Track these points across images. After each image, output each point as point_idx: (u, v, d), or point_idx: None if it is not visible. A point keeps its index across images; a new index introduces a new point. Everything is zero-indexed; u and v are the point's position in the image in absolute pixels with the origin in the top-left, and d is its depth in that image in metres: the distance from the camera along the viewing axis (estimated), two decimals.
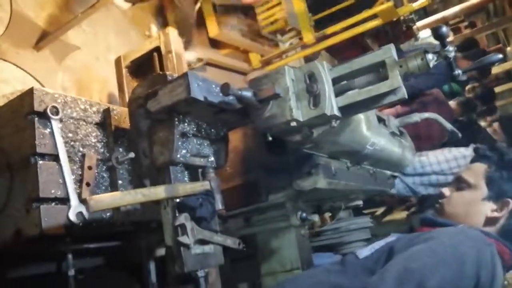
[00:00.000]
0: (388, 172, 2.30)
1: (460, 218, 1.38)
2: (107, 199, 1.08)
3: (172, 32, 1.94)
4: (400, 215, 3.85)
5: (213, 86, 1.28)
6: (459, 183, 1.44)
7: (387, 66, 1.21)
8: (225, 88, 1.18)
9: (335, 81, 1.28)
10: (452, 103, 3.99)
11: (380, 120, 1.77)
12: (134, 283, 1.67)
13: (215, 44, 3.82)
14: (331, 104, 1.23)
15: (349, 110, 1.28)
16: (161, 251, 1.65)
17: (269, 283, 1.98)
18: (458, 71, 1.22)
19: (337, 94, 1.27)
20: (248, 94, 1.23)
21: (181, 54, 1.92)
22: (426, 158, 2.74)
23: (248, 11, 4.09)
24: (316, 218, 1.74)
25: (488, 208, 1.35)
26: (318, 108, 1.24)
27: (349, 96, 1.27)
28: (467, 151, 2.73)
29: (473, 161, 1.52)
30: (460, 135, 2.01)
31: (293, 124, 1.24)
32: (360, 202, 2.17)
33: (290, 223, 1.82)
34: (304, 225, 1.90)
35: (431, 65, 1.20)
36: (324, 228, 2.04)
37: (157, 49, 1.95)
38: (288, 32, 4.23)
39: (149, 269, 1.65)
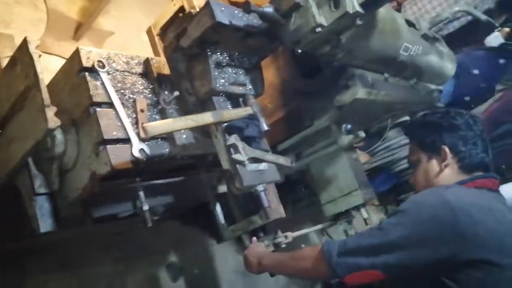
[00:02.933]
0: (432, 86, 2.26)
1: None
2: (161, 125, 1.19)
3: None
4: None
5: (236, 11, 1.34)
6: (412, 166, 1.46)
7: None
8: (247, 6, 1.24)
9: None
10: None
11: (410, 24, 1.75)
12: (202, 223, 1.80)
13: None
14: (352, 2, 1.26)
15: (371, 5, 1.29)
16: (223, 188, 1.76)
17: (331, 209, 2.05)
18: None
19: None
20: (269, 9, 1.28)
21: None
22: None
23: None
24: (362, 134, 1.76)
25: (436, 164, 1.34)
26: (340, 9, 1.26)
27: None
28: None
29: None
30: (496, 24, 1.92)
31: (319, 29, 1.28)
32: (407, 118, 2.16)
33: (339, 146, 1.86)
34: (353, 147, 1.93)
35: None
36: (373, 148, 2.07)
37: (182, 10, 2.02)
38: None
39: (216, 210, 1.77)
